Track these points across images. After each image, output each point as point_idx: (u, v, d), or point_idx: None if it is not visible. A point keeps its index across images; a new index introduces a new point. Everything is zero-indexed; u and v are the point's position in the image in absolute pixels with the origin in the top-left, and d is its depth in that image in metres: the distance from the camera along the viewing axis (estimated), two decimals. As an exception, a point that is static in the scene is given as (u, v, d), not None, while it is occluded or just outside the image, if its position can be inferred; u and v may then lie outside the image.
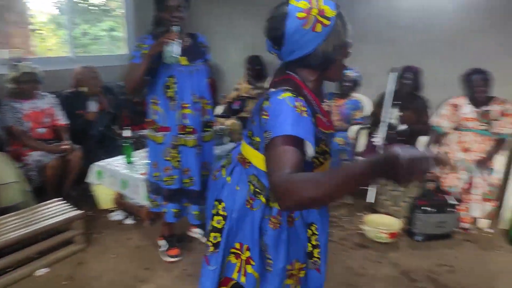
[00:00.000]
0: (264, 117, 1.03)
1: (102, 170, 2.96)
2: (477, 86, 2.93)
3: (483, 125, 2.96)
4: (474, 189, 2.83)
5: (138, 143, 3.33)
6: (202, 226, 2.64)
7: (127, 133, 3.16)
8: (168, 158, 2.22)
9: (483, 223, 2.94)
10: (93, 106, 3.44)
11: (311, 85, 1.11)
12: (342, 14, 1.06)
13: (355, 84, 3.59)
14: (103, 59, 4.18)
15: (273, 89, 1.07)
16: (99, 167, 2.99)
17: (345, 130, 3.48)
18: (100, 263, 2.43)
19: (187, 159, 2.24)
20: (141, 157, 2.98)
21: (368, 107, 3.63)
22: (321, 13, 1.01)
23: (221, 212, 1.23)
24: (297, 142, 0.96)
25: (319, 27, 1.01)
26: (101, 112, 3.50)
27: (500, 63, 3.12)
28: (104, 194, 3.06)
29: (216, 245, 1.24)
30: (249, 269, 1.21)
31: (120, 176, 2.84)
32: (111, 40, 4.98)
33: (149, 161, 2.34)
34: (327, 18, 1.02)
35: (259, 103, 1.09)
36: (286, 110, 0.98)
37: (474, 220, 2.93)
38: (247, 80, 4.26)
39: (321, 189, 0.83)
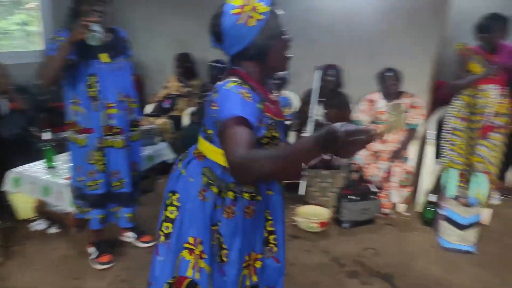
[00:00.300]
0: (214, 107, 1.10)
1: (19, 177, 2.73)
2: (388, 83, 3.24)
3: (394, 117, 3.26)
4: (392, 177, 3.10)
5: (60, 146, 3.11)
6: (134, 229, 2.56)
7: (47, 135, 2.93)
8: (92, 162, 2.11)
9: (401, 208, 3.23)
10: (4, 106, 3.14)
11: (256, 76, 1.18)
12: (276, 11, 1.15)
13: (283, 82, 3.71)
14: (15, 55, 3.85)
15: (220, 83, 1.15)
16: (16, 174, 2.74)
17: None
18: (23, 277, 2.25)
19: (116, 161, 2.16)
20: (64, 161, 2.79)
21: (296, 104, 3.77)
22: (254, 9, 1.09)
23: (174, 203, 1.25)
24: (247, 123, 1.03)
25: (252, 22, 1.09)
26: (14, 113, 3.20)
27: (410, 61, 3.43)
28: (23, 202, 2.82)
29: (167, 236, 1.26)
30: (202, 263, 1.23)
31: (41, 182, 2.63)
32: (25, 35, 4.58)
33: (72, 165, 2.20)
34: (260, 13, 1.10)
35: (209, 97, 1.16)
36: (233, 96, 1.07)
37: (393, 206, 3.20)
38: (177, 78, 4.19)
39: (276, 164, 0.92)
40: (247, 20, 1.09)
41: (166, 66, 4.34)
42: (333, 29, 3.66)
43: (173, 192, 1.27)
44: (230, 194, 1.21)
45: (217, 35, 1.16)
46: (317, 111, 3.41)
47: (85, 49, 1.95)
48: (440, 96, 3.94)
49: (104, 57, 2.02)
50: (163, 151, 3.57)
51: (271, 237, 1.33)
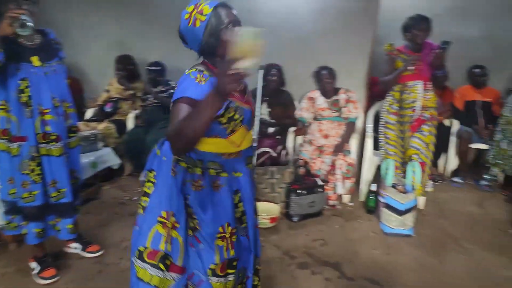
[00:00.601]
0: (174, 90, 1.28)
1: None
2: (324, 80, 3.41)
3: (334, 113, 3.42)
4: (336, 170, 3.25)
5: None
6: (80, 239, 2.46)
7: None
8: (26, 172, 1.98)
9: (346, 199, 3.39)
10: None
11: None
12: (219, 11, 1.28)
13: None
14: None
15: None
16: None
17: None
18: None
19: (53, 170, 2.05)
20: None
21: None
22: (199, 11, 1.27)
23: (151, 180, 1.40)
24: (192, 103, 1.19)
25: (197, 23, 1.27)
26: None
27: (347, 59, 3.62)
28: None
29: (143, 209, 1.40)
30: (174, 233, 1.36)
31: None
32: None
33: (3, 177, 2.05)
34: (203, 15, 1.26)
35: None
36: (187, 80, 1.25)
37: (338, 197, 3.36)
38: (118, 80, 4.05)
39: (190, 123, 1.11)
40: (194, 22, 1.27)
41: (106, 68, 4.18)
42: (273, 29, 3.74)
43: (150, 170, 1.41)
44: (198, 170, 1.34)
45: (181, 38, 1.35)
46: (261, 110, 3.49)
47: (15, 51, 1.85)
48: (375, 91, 4.19)
49: (35, 60, 1.92)
50: (107, 156, 3.45)
51: (244, 217, 1.44)
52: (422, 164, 3.00)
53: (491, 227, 3.00)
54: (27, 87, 1.91)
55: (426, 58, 2.95)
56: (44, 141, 2.00)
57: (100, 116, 3.98)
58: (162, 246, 1.35)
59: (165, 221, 1.35)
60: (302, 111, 3.53)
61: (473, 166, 4.15)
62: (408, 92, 3.01)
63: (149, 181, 1.40)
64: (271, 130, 3.45)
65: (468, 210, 3.32)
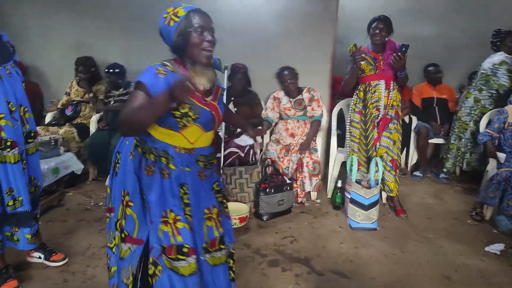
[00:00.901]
0: None
1: None
2: (287, 81, 3.48)
3: (299, 112, 3.49)
4: (305, 167, 3.32)
5: None
6: (42, 248, 2.37)
7: None
8: None
9: (313, 196, 3.47)
10: None
11: (187, 65, 1.50)
12: (192, 15, 1.44)
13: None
14: None
15: None
16: None
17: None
18: None
19: (10, 177, 1.95)
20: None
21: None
22: (174, 13, 1.44)
23: (118, 161, 1.55)
24: (146, 91, 1.36)
25: (171, 23, 1.44)
26: None
27: (310, 60, 3.70)
28: None
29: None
30: (128, 210, 1.50)
31: None
32: None
33: None
34: (177, 16, 1.44)
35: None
36: (149, 70, 1.41)
37: (306, 194, 3.43)
38: (78, 83, 3.93)
39: (139, 115, 1.30)
40: (169, 22, 1.45)
41: (65, 71, 4.05)
42: (237, 30, 3.77)
43: (118, 153, 1.57)
44: (152, 156, 1.48)
45: (160, 35, 1.51)
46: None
47: None
48: (338, 90, 4.32)
49: None
50: (69, 162, 3.34)
51: (187, 208, 1.51)
52: (393, 161, 3.08)
53: (449, 217, 3.18)
54: None
55: (388, 58, 2.96)
56: None
57: (61, 119, 3.85)
58: (123, 223, 1.53)
59: (122, 198, 1.51)
60: (268, 110, 3.58)
61: (432, 160, 4.36)
62: (371, 92, 3.04)
63: (118, 162, 1.56)
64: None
65: (428, 202, 3.49)
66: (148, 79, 1.37)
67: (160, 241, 1.47)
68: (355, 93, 3.20)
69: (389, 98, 3.03)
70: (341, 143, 3.73)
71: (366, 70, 3.04)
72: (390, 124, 3.06)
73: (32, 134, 2.11)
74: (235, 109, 3.59)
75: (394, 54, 2.85)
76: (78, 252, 2.51)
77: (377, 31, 2.95)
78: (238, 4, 3.73)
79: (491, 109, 3.57)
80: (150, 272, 1.49)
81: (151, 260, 1.49)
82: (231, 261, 1.71)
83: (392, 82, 3.04)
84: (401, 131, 3.17)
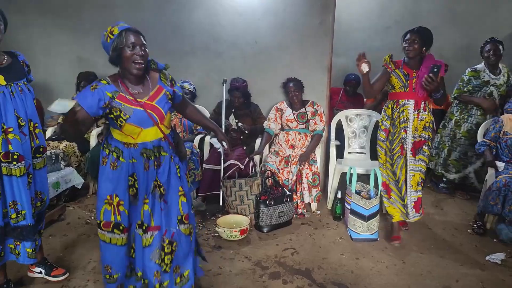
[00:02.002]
0: None
1: None
2: (292, 93, 3.51)
3: (301, 125, 3.52)
4: (304, 179, 3.33)
5: None
6: (43, 263, 2.37)
7: None
8: None
9: (314, 207, 3.48)
10: None
11: (126, 77, 1.81)
12: (124, 34, 1.72)
13: (192, 96, 3.78)
14: None
15: None
16: None
17: (191, 140, 3.61)
18: None
19: (14, 191, 1.98)
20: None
21: (207, 116, 3.84)
22: (111, 31, 1.73)
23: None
24: (77, 104, 1.66)
25: (108, 40, 1.74)
26: None
27: (308, 72, 3.74)
28: None
29: None
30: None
31: None
32: None
33: None
34: (112, 34, 1.73)
35: None
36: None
37: (306, 206, 3.43)
38: (79, 98, 3.97)
39: (64, 123, 1.69)
40: (106, 39, 1.74)
41: (66, 86, 4.09)
42: (236, 43, 3.82)
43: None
44: (106, 150, 1.86)
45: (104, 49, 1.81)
46: (230, 121, 3.55)
47: None
48: (335, 102, 4.35)
49: (1, 80, 1.91)
50: (70, 176, 3.36)
51: (132, 193, 1.87)
52: (422, 184, 2.87)
53: (449, 227, 3.18)
54: None
55: (422, 77, 2.64)
56: (5, 161, 1.94)
57: (62, 134, 3.87)
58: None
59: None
60: (270, 121, 3.60)
61: (430, 170, 4.37)
62: (399, 111, 2.77)
63: None
64: (246, 126, 3.50)
65: (428, 212, 3.50)
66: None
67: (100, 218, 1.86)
68: (383, 110, 2.94)
69: (419, 119, 2.74)
70: (340, 154, 3.75)
71: (396, 86, 2.78)
72: (424, 146, 2.77)
73: (41, 149, 2.15)
74: (236, 121, 3.62)
75: (426, 76, 2.58)
76: (79, 266, 2.50)
77: (408, 44, 2.67)
78: (237, 18, 3.79)
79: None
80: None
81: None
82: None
83: (424, 102, 2.74)
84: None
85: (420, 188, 2.84)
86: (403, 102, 2.77)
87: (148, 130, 1.81)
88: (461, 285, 2.37)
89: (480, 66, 3.67)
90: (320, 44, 3.72)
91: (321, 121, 3.54)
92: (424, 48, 2.69)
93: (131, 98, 1.78)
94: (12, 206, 1.99)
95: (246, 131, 3.54)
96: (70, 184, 3.36)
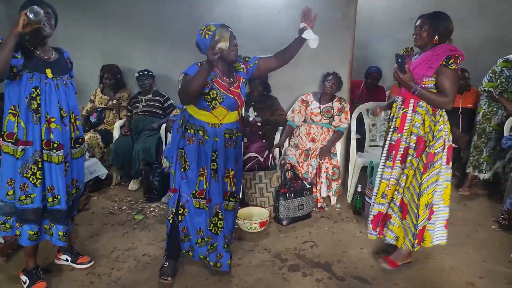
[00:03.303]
0: None
1: None
2: (326, 84, 3.46)
3: (325, 119, 3.49)
4: (323, 173, 3.32)
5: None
6: (70, 251, 2.45)
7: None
8: (26, 175, 2.03)
9: (333, 200, 3.46)
10: None
11: (219, 66, 2.11)
12: (219, 30, 1.94)
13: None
14: None
15: None
16: None
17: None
18: None
19: (52, 176, 2.09)
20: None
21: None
22: (208, 28, 2.05)
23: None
24: (189, 77, 1.97)
25: (206, 36, 2.05)
26: None
27: (330, 65, 3.69)
28: None
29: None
30: (172, 171, 2.22)
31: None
32: None
33: (3, 178, 2.08)
34: (210, 31, 2.04)
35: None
36: (191, 65, 2.05)
37: (326, 199, 3.42)
38: (101, 90, 4.05)
39: (190, 84, 1.94)
40: (205, 35, 2.05)
41: (90, 79, 4.18)
42: (257, 36, 3.80)
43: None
44: (192, 131, 2.13)
45: (197, 47, 2.14)
46: (249, 113, 3.56)
47: (33, 61, 1.99)
48: (356, 94, 4.29)
49: (48, 72, 2.04)
50: (94, 167, 3.44)
51: (217, 169, 2.20)
52: (401, 203, 2.34)
53: (472, 223, 3.12)
54: (38, 95, 2.00)
55: (413, 69, 2.25)
56: (47, 148, 2.05)
57: (86, 126, 3.97)
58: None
59: (172, 164, 2.24)
60: (294, 113, 3.58)
61: (454, 165, 4.28)
62: (392, 109, 2.45)
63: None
64: (257, 119, 3.50)
65: (451, 207, 3.41)
66: (190, 71, 2.01)
67: (191, 190, 2.18)
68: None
69: (405, 120, 2.28)
70: (360, 148, 3.71)
71: None
72: (407, 156, 2.29)
73: (80, 140, 2.28)
74: (255, 113, 3.62)
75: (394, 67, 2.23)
76: (103, 255, 2.58)
77: (415, 31, 2.28)
78: (258, 10, 3.77)
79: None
80: (180, 212, 2.22)
81: (180, 204, 2.21)
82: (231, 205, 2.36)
83: (413, 101, 2.27)
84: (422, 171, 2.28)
85: (396, 209, 2.35)
86: (396, 99, 2.41)
87: (231, 114, 2.16)
88: (485, 282, 2.32)
89: None
90: (342, 37, 3.66)
91: (346, 119, 3.50)
92: (436, 37, 2.23)
93: (225, 85, 2.10)
94: (49, 190, 2.10)
95: (259, 124, 3.53)
96: (94, 175, 3.44)
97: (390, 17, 5.02)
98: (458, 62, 2.15)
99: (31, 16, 1.79)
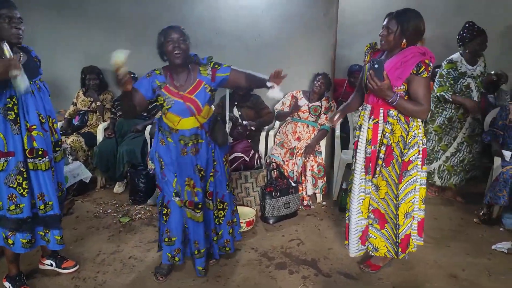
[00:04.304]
0: None
1: None
2: (318, 81, 3.51)
3: (312, 117, 3.52)
4: (308, 171, 3.34)
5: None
6: (53, 255, 2.41)
7: None
8: (13, 185, 1.99)
9: (319, 198, 3.49)
10: None
11: (172, 71, 2.11)
12: (163, 32, 2.06)
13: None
14: None
15: None
16: None
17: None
18: None
19: (41, 184, 2.07)
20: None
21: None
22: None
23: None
24: (135, 90, 2.04)
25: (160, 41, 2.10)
26: None
27: (312, 64, 3.74)
28: None
29: None
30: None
31: None
32: None
33: None
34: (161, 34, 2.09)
35: None
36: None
37: (312, 197, 3.44)
38: (84, 93, 4.00)
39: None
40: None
41: (71, 82, 4.12)
42: (240, 37, 3.81)
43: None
44: (161, 132, 2.18)
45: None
46: (233, 113, 3.57)
47: None
48: (339, 93, 4.34)
49: None
50: (78, 170, 3.41)
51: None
52: (376, 213, 2.23)
53: (455, 217, 3.18)
54: (14, 104, 1.95)
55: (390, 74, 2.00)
56: (31, 156, 2.01)
57: (68, 129, 3.92)
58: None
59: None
60: (284, 106, 3.63)
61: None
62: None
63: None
64: (251, 123, 3.52)
65: (434, 202, 3.49)
66: (137, 83, 2.10)
67: (172, 190, 2.19)
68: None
69: (378, 131, 2.12)
70: (345, 145, 3.75)
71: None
72: (377, 167, 2.17)
73: (60, 143, 2.25)
74: (239, 113, 3.63)
75: (370, 73, 1.98)
76: (89, 258, 2.55)
77: (382, 32, 2.08)
78: (239, 10, 3.78)
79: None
80: (164, 212, 2.24)
81: (164, 204, 2.23)
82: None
83: (382, 110, 2.09)
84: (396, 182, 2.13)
85: (371, 221, 2.26)
86: (362, 107, 2.24)
87: (186, 119, 2.10)
88: (468, 274, 2.38)
89: (456, 56, 3.33)
90: (324, 36, 3.70)
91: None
92: (404, 41, 2.01)
93: (175, 90, 2.08)
94: (40, 198, 2.08)
95: (253, 128, 3.55)
96: (78, 178, 3.40)
97: (373, 16, 5.09)
98: (429, 69, 1.98)
99: (20, 89, 1.82)
